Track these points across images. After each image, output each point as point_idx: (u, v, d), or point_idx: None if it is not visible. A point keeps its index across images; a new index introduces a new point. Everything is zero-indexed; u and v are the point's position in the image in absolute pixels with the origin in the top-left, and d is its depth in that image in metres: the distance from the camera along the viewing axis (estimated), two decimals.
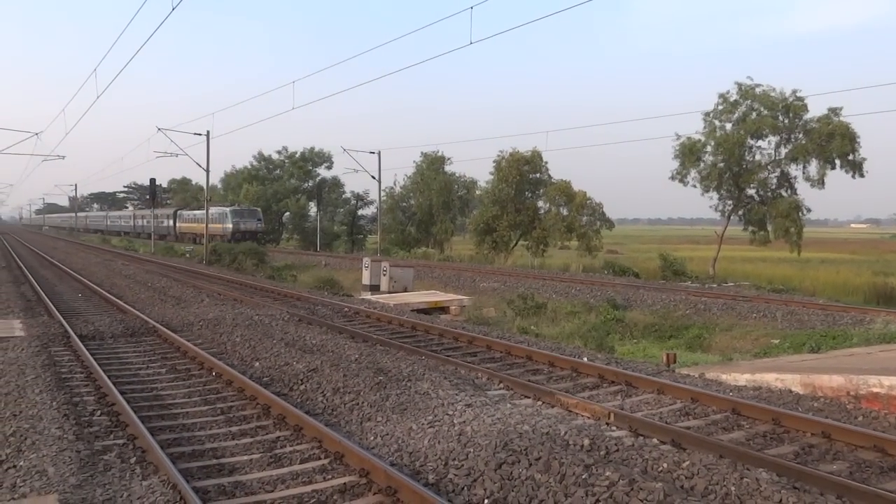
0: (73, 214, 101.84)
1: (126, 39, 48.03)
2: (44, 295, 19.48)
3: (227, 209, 55.29)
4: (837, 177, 30.49)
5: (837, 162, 30.02)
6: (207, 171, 38.22)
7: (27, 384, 8.91)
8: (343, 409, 7.94)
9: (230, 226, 53.32)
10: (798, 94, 30.82)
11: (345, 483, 5.75)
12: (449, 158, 52.80)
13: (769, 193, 32.48)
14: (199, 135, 37.14)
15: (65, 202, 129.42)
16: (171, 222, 66.06)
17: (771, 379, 9.19)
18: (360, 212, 61.20)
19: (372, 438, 6.94)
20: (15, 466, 6.08)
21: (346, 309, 16.88)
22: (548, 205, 43.52)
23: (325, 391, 8.59)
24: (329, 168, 67.11)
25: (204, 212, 57.76)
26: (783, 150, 31.86)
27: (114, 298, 18.89)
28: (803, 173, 31.33)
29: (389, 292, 21.60)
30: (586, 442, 6.36)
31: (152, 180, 52.12)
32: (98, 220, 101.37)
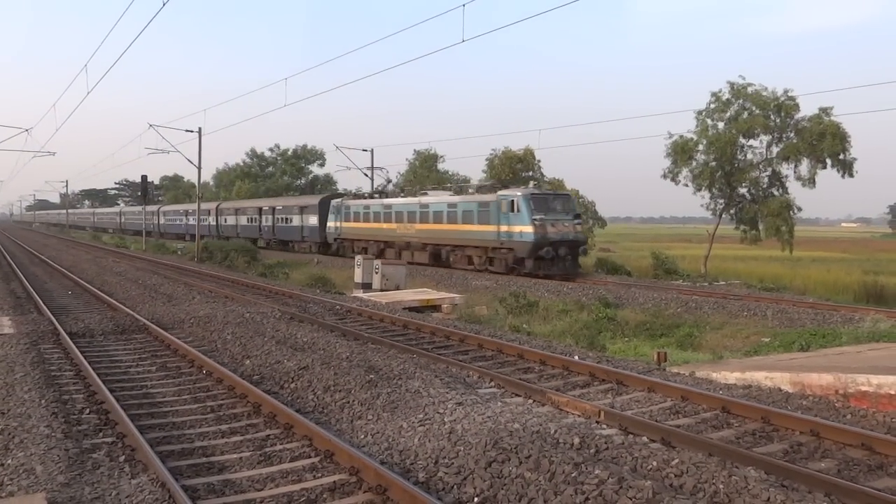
0: (68, 210, 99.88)
1: (117, 35, 47.68)
2: (33, 292, 19.37)
3: (519, 194, 26.35)
4: (829, 176, 30.65)
5: (828, 161, 30.15)
6: (199, 167, 38.11)
7: (16, 382, 8.86)
8: (334, 408, 7.93)
9: (528, 230, 25.18)
10: (789, 94, 30.95)
11: (335, 481, 5.74)
12: (442, 156, 52.64)
13: (760, 192, 32.60)
14: (191, 131, 37.03)
15: (56, 199, 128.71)
16: (315, 220, 39.99)
17: (761, 377, 9.23)
18: None
19: (362, 437, 6.94)
20: (3, 465, 6.05)
21: (337, 307, 16.85)
22: None
23: (316, 389, 8.57)
24: (322, 166, 66.99)
25: (409, 200, 31.90)
26: (774, 150, 31.98)
27: (104, 296, 18.80)
28: (794, 172, 31.48)
29: (381, 290, 21.58)
30: (576, 440, 6.38)
31: (143, 177, 51.91)
32: (134, 216, 72.75)
